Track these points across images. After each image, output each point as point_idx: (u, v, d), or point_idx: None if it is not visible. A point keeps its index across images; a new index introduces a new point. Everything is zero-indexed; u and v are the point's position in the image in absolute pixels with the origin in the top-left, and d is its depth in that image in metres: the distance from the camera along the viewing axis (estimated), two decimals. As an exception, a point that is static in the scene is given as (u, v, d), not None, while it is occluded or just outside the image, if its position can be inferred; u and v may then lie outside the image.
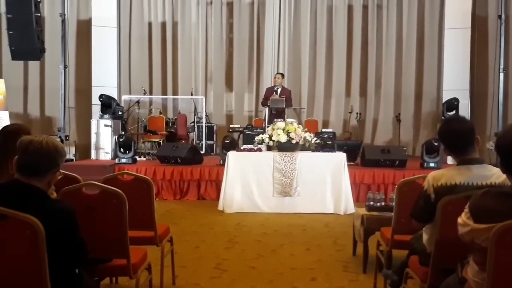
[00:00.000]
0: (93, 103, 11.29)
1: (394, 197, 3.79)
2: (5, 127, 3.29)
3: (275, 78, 10.57)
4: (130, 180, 3.89)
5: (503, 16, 10.19)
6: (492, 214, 2.01)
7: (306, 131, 7.93)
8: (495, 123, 10.32)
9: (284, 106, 9.63)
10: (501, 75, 10.18)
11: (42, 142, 2.28)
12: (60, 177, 2.44)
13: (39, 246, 2.11)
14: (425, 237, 3.00)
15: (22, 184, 2.25)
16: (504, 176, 2.35)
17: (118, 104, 10.87)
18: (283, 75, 10.65)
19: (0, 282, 2.18)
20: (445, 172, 2.85)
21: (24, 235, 2.10)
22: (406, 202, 3.30)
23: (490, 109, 10.97)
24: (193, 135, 11.81)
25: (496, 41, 10.47)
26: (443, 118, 9.83)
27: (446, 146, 2.94)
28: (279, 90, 10.20)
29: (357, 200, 7.84)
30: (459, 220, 2.18)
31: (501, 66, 10.18)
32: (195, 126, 11.72)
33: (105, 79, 11.53)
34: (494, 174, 2.75)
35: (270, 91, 10.34)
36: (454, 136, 2.85)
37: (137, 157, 9.76)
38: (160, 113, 12.05)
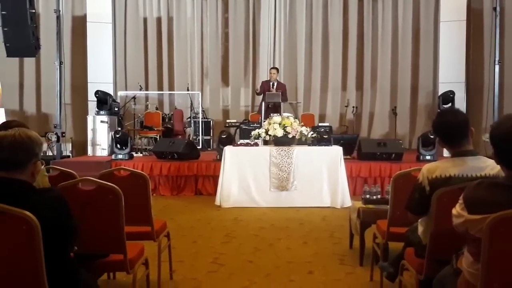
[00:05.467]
0: (89, 99, 11.27)
1: (389, 189, 3.80)
2: (7, 122, 3.30)
3: (270, 73, 10.59)
4: (126, 175, 3.89)
5: (498, 8, 10.17)
6: (486, 205, 2.02)
7: (302, 125, 7.94)
8: (491, 115, 10.32)
9: (280, 101, 9.65)
10: (497, 67, 10.17)
11: (15, 135, 2.25)
12: (42, 166, 2.40)
13: (35, 241, 2.10)
14: (420, 229, 3.01)
15: (6, 180, 2.22)
16: (498, 167, 2.36)
17: (114, 100, 10.84)
18: (278, 70, 10.69)
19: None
20: (440, 164, 2.86)
21: (20, 230, 2.10)
22: (402, 195, 3.30)
23: (486, 102, 10.98)
24: (190, 130, 11.79)
25: (491, 33, 10.46)
26: (438, 111, 9.83)
27: (440, 138, 2.95)
28: (275, 84, 10.22)
29: (353, 194, 7.85)
30: (454, 211, 2.19)
31: (497, 59, 10.16)
32: (192, 121, 11.70)
33: (100, 75, 11.52)
34: (488, 166, 2.75)
35: (267, 84, 10.37)
36: (448, 128, 2.85)
37: (133, 153, 9.76)
38: (157, 108, 12.05)
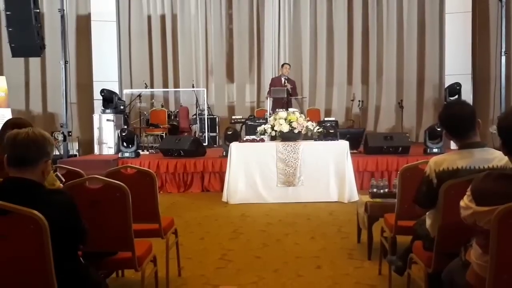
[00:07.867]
0: (94, 98, 11.31)
1: (397, 183, 3.78)
2: (9, 120, 3.33)
3: (285, 68, 10.51)
4: (133, 173, 3.90)
5: (503, -1, 10.11)
6: (494, 197, 2.02)
7: (308, 120, 7.92)
8: (498, 106, 10.26)
9: (286, 95, 9.60)
10: (503, 58, 10.10)
11: (28, 132, 2.28)
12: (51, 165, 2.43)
13: (43, 241, 2.11)
14: (428, 222, 3.00)
15: (18, 180, 2.25)
16: (506, 159, 2.35)
17: (119, 99, 10.86)
18: (290, 65, 10.64)
19: (5, 279, 2.19)
20: (447, 157, 2.85)
21: (28, 230, 2.11)
22: (409, 188, 3.29)
23: (493, 93, 10.92)
24: (196, 127, 11.81)
25: (497, 24, 10.39)
26: (445, 103, 9.78)
27: (447, 131, 2.93)
28: (286, 80, 10.17)
29: (361, 188, 7.84)
30: (462, 203, 2.18)
31: (503, 49, 10.09)
32: (197, 118, 11.71)
33: (106, 73, 11.55)
34: (496, 157, 2.73)
35: (278, 80, 10.29)
36: (455, 120, 2.84)
37: (140, 150, 9.76)
38: (162, 106, 12.07)
